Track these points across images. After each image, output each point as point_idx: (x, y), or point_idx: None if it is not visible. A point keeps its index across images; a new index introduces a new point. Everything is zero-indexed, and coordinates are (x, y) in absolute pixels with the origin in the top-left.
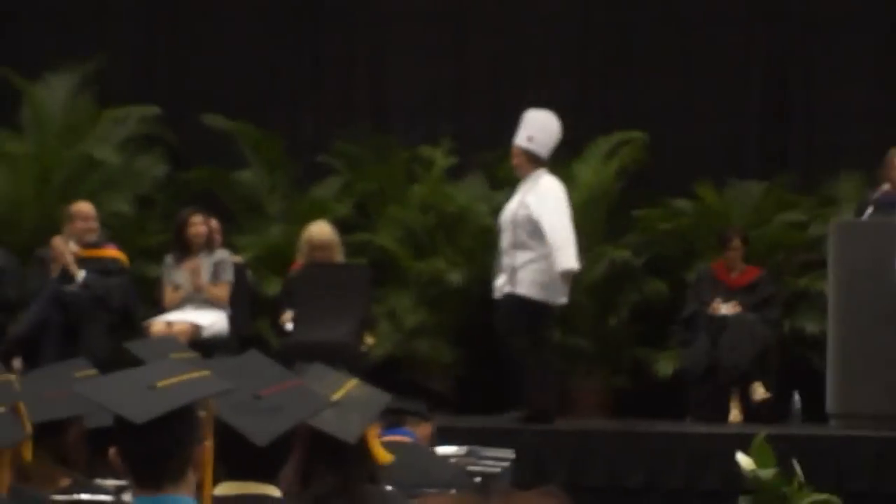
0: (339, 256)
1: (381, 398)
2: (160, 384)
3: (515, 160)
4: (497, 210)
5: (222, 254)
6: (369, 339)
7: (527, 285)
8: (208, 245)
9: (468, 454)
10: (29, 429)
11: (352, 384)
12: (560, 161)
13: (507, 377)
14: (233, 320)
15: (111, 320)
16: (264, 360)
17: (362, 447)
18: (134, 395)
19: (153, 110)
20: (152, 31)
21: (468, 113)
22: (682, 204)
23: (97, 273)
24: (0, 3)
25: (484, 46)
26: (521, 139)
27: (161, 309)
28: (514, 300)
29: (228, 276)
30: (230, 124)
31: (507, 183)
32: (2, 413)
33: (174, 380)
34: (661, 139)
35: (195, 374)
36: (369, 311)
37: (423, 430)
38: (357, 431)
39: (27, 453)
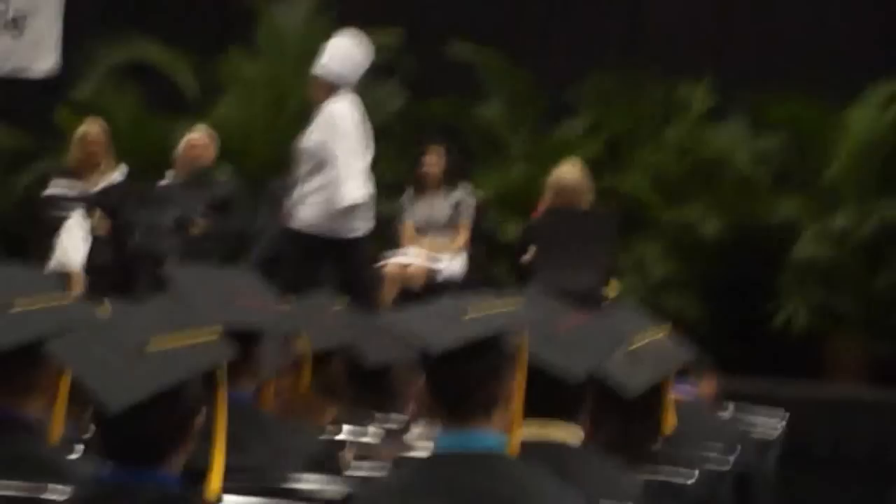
0: (587, 201)
1: (681, 355)
2: (468, 316)
3: (311, 90)
4: (760, 157)
5: (462, 192)
6: (611, 290)
7: (310, 218)
8: (447, 181)
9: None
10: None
11: (656, 335)
12: (830, 107)
13: None
14: (469, 262)
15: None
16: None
17: (649, 403)
18: (440, 325)
19: (393, 36)
20: None
21: (731, 48)
22: None
23: None
24: None
25: None
26: (316, 67)
27: (397, 246)
28: (291, 234)
29: (467, 215)
30: (474, 54)
31: (772, 127)
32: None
33: (482, 312)
34: None
35: (503, 307)
36: (614, 260)
37: (707, 385)
38: (639, 386)
39: (304, 384)
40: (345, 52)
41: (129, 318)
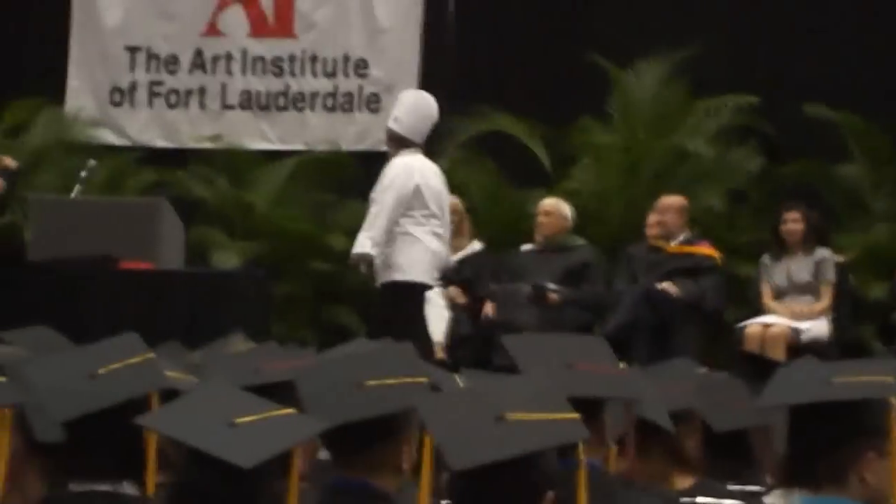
0: None
1: None
2: (836, 379)
3: (386, 143)
4: None
5: (823, 252)
6: None
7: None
8: (807, 242)
9: None
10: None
11: None
12: None
13: None
14: (834, 324)
15: (704, 321)
16: None
17: None
18: (804, 384)
19: (750, 100)
20: (752, 16)
21: None
22: None
23: (689, 271)
24: None
25: None
26: (390, 119)
27: (757, 310)
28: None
29: (830, 276)
30: (833, 115)
31: None
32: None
33: (850, 377)
34: None
35: (874, 375)
36: None
37: None
38: None
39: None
40: (415, 107)
41: (488, 388)
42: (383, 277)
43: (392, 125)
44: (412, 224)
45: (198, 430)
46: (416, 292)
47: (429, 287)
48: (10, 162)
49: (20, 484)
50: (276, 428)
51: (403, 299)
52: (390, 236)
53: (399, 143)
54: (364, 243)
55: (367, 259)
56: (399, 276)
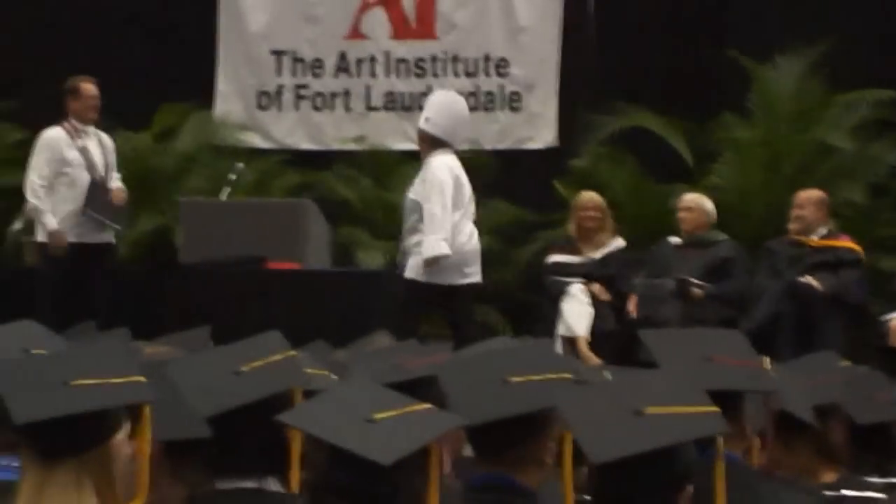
0: None
1: None
2: None
3: (418, 143)
4: None
5: None
6: None
7: (412, 269)
8: None
9: None
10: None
11: None
12: None
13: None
14: None
15: (847, 315)
16: None
17: None
18: None
19: (888, 94)
20: (890, 9)
21: None
22: None
23: (830, 265)
24: None
25: None
26: (420, 120)
27: None
28: (403, 282)
29: None
30: None
31: None
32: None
33: None
34: None
35: None
36: None
37: None
38: None
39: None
40: (447, 108)
41: (626, 383)
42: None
43: (424, 126)
44: None
45: (336, 426)
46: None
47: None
48: (120, 195)
49: (158, 484)
50: (414, 423)
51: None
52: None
53: (432, 143)
54: (439, 245)
55: (445, 259)
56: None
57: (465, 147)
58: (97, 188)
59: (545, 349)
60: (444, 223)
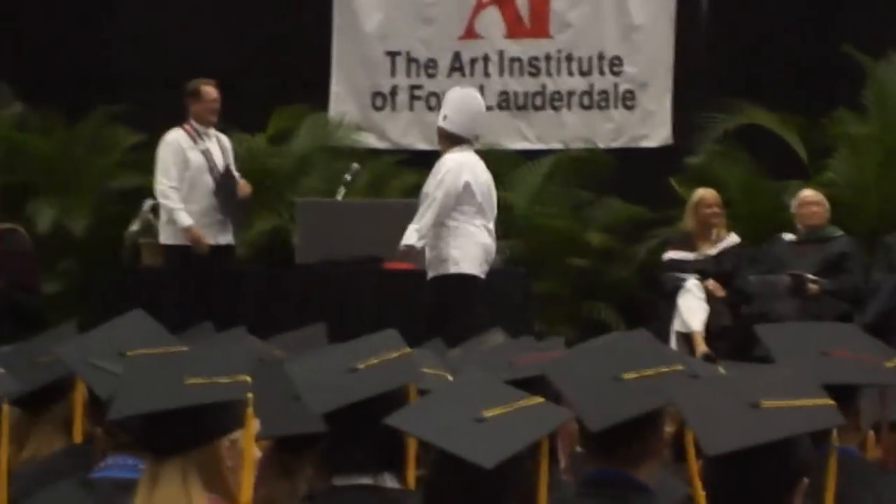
0: None
1: None
2: None
3: (438, 141)
4: None
5: None
6: None
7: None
8: None
9: None
10: None
11: None
12: None
13: None
14: None
15: None
16: None
17: None
18: None
19: None
20: None
21: None
22: None
23: None
24: None
25: None
26: (439, 119)
27: None
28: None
29: None
30: None
31: None
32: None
33: None
34: None
35: None
36: None
37: None
38: None
39: None
40: (464, 104)
41: (742, 376)
42: (437, 271)
43: (442, 123)
44: (463, 219)
45: (443, 427)
46: (467, 284)
47: (479, 279)
48: (246, 188)
49: (267, 481)
50: (524, 420)
51: (456, 291)
52: (440, 230)
53: (450, 140)
54: (410, 236)
55: (413, 251)
56: (453, 269)
57: (580, 145)
58: (227, 179)
59: (649, 340)
60: (426, 216)
